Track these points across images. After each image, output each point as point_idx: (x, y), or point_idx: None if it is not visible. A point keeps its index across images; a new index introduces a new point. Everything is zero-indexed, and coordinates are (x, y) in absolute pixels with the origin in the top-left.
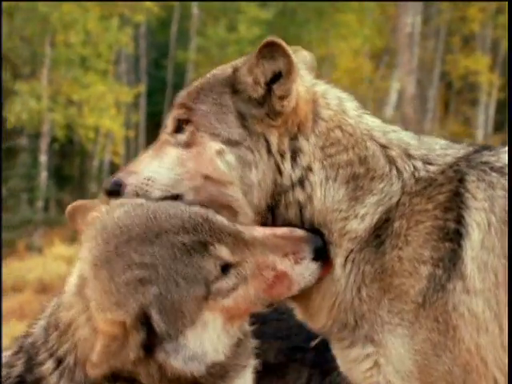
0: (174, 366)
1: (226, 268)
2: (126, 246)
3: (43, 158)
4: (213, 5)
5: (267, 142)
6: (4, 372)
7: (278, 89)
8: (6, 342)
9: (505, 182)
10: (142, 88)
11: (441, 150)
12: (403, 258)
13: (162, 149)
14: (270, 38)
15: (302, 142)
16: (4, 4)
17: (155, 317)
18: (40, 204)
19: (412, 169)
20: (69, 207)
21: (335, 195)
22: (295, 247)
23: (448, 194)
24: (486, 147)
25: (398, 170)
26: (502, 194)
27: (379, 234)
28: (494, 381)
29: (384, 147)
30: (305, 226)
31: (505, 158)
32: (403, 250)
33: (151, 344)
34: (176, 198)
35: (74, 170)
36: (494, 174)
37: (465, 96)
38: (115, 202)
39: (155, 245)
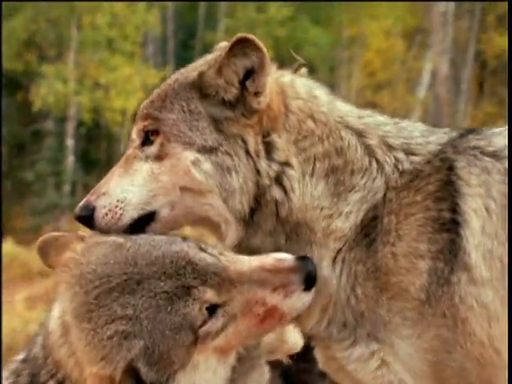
0: None
1: (212, 309)
2: (108, 298)
3: (70, 142)
4: None
5: (244, 142)
6: (11, 379)
7: (251, 85)
8: (34, 327)
9: (501, 166)
10: (170, 70)
11: (421, 137)
12: (397, 255)
13: (131, 165)
14: (240, 35)
15: (275, 139)
16: None
17: (143, 369)
18: (67, 188)
19: (394, 161)
20: (39, 241)
21: (314, 191)
22: (285, 280)
23: (438, 184)
24: (471, 131)
25: (378, 162)
26: (499, 178)
27: (368, 232)
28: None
29: (361, 135)
30: (284, 228)
31: (497, 141)
32: (396, 245)
33: None
34: (151, 215)
35: (101, 154)
36: (486, 159)
37: (500, 76)
38: (90, 239)
39: (137, 294)
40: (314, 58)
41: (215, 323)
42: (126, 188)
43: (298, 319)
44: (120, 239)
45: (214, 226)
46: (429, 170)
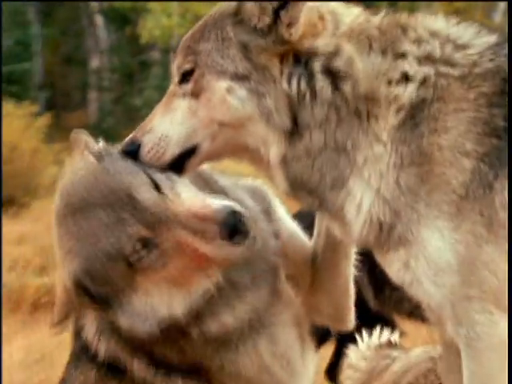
0: (122, 323)
1: (146, 244)
2: (69, 217)
3: None
4: None
5: (271, 74)
6: None
7: (285, 16)
8: None
9: None
10: None
11: (469, 31)
12: (443, 147)
13: (172, 102)
14: None
15: (313, 46)
16: None
17: (88, 284)
18: None
19: (442, 47)
20: (72, 134)
21: (374, 61)
22: (205, 227)
23: (493, 90)
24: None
25: (428, 43)
26: None
27: (414, 114)
28: None
29: (406, 27)
30: (339, 112)
31: None
32: (442, 137)
33: (99, 305)
34: (192, 150)
35: None
36: None
37: None
38: (84, 153)
39: (86, 218)
40: None
41: (149, 256)
42: (168, 125)
43: (339, 226)
44: (95, 162)
45: (251, 154)
46: (483, 72)
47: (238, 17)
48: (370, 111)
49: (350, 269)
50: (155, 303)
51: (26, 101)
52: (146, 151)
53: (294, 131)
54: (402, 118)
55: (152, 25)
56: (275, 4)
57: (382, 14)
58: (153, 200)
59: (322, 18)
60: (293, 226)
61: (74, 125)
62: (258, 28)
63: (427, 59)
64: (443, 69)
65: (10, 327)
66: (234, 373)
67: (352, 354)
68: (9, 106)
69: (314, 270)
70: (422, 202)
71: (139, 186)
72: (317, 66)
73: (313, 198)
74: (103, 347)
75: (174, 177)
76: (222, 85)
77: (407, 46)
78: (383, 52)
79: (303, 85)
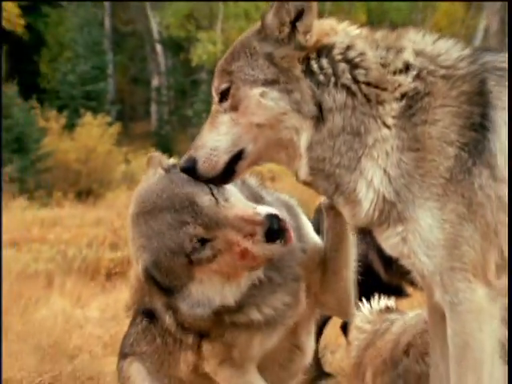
0: (182, 308)
1: (203, 242)
2: (141, 218)
3: None
4: None
5: (293, 73)
6: None
7: (301, 25)
8: None
9: None
10: None
11: (455, 50)
12: (432, 136)
13: (216, 119)
14: None
15: (323, 59)
16: None
17: (156, 274)
18: None
19: (430, 51)
20: (149, 155)
21: (382, 53)
22: (252, 230)
23: (471, 90)
24: (483, 48)
25: (417, 47)
26: None
27: (411, 104)
28: (499, 250)
29: (400, 38)
30: (354, 97)
31: None
32: (431, 127)
33: (164, 292)
34: (240, 154)
35: None
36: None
37: None
38: (154, 170)
39: (156, 220)
40: (396, 20)
41: (205, 252)
42: (216, 138)
43: (352, 216)
44: (163, 174)
45: (285, 150)
46: (463, 75)
47: (261, 34)
48: (378, 97)
49: (350, 274)
50: (210, 293)
51: (101, 113)
52: (201, 164)
53: (319, 117)
54: (403, 106)
55: (201, 51)
56: (292, 17)
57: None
58: (209, 205)
59: (333, 28)
60: (316, 241)
61: (139, 132)
62: (280, 39)
63: (421, 53)
64: (432, 66)
65: (89, 292)
66: (229, 343)
67: (358, 318)
68: (88, 118)
69: (322, 276)
70: (416, 184)
71: (198, 192)
72: (337, 54)
73: (329, 182)
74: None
75: (225, 187)
76: (256, 91)
77: (406, 42)
78: (388, 49)
79: (329, 71)
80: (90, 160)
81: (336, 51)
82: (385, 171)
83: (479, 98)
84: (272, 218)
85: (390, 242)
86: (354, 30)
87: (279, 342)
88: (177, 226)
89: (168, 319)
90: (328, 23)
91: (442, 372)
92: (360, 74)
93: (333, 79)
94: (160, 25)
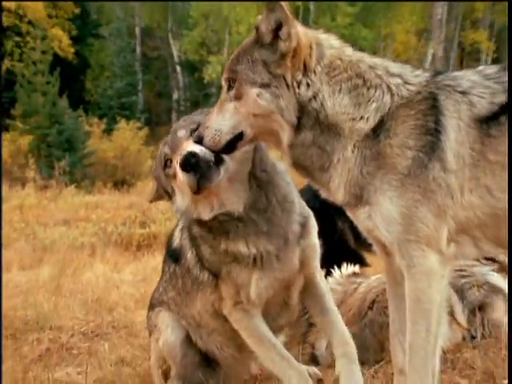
0: (174, 210)
1: (169, 161)
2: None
3: None
4: (322, 4)
5: (285, 79)
6: None
7: (281, 34)
8: None
9: (466, 99)
10: None
11: (411, 73)
12: (393, 145)
13: (223, 106)
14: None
15: (310, 74)
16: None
17: (159, 180)
18: None
19: (395, 85)
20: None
21: (341, 102)
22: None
23: (426, 106)
24: (439, 72)
25: (386, 84)
26: (465, 107)
27: (376, 130)
28: (448, 226)
29: (371, 67)
30: (321, 126)
31: (463, 83)
32: (393, 139)
33: (167, 194)
34: (239, 136)
35: None
36: (457, 95)
37: (473, 56)
38: None
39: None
40: (364, 47)
41: (169, 170)
42: (220, 122)
43: (333, 194)
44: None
45: (275, 137)
46: (419, 97)
47: (258, 42)
48: (338, 132)
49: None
50: (185, 205)
51: (133, 120)
52: (207, 141)
53: (298, 127)
54: (365, 135)
55: (211, 71)
56: (274, 26)
57: (351, 50)
58: (180, 136)
59: (311, 46)
60: (315, 243)
61: (163, 135)
62: (268, 44)
63: (389, 96)
64: (396, 100)
65: (123, 260)
66: (235, 282)
67: (331, 281)
68: (122, 124)
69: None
70: (378, 181)
71: (182, 127)
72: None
73: (307, 174)
74: (177, 244)
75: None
76: (254, 91)
77: (373, 82)
78: (350, 91)
79: (308, 93)
80: (124, 157)
81: (324, 76)
82: (348, 180)
83: (433, 109)
84: (190, 154)
85: (359, 218)
86: (328, 52)
87: (273, 296)
88: (162, 146)
89: (190, 255)
90: (306, 32)
91: (397, 321)
92: (321, 115)
93: (311, 102)
94: (179, 50)
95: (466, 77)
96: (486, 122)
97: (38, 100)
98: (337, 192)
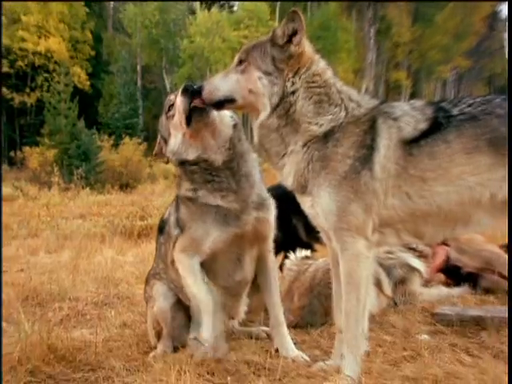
0: (167, 152)
1: (172, 105)
2: None
3: None
4: None
5: (284, 74)
6: None
7: (294, 39)
8: None
9: (397, 124)
10: None
11: (365, 100)
12: (338, 153)
13: (229, 73)
14: (293, 8)
15: (296, 78)
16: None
17: (158, 130)
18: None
19: (351, 107)
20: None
21: (308, 107)
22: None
23: (367, 126)
24: (383, 101)
25: (345, 105)
26: (394, 131)
27: (327, 136)
28: (373, 219)
29: (338, 91)
30: (287, 118)
31: (396, 111)
32: (338, 148)
33: (164, 141)
34: (231, 100)
35: None
36: (391, 121)
37: (395, 91)
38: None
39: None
40: None
41: (171, 112)
42: (221, 83)
43: (285, 180)
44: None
45: (256, 111)
46: (365, 119)
47: (272, 41)
48: (296, 129)
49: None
50: (177, 146)
51: (135, 137)
52: (205, 92)
53: (274, 110)
54: (315, 137)
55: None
56: (290, 32)
57: (331, 73)
58: (186, 84)
59: (308, 57)
60: (271, 223)
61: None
62: (280, 45)
63: (344, 112)
64: (348, 118)
65: (127, 246)
66: (192, 236)
67: (288, 262)
68: (126, 140)
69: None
70: (321, 178)
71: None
72: (303, 83)
73: (268, 157)
74: (165, 216)
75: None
76: (257, 74)
77: (336, 102)
78: (315, 102)
79: (291, 89)
80: (128, 165)
81: (304, 83)
82: (296, 170)
83: (371, 130)
84: (189, 84)
85: (305, 205)
86: (314, 67)
87: (227, 252)
88: (168, 97)
89: (171, 219)
90: (310, 50)
91: (338, 293)
92: (290, 112)
93: (289, 96)
94: (171, 83)
95: (400, 107)
96: (409, 144)
97: (61, 122)
98: (287, 178)
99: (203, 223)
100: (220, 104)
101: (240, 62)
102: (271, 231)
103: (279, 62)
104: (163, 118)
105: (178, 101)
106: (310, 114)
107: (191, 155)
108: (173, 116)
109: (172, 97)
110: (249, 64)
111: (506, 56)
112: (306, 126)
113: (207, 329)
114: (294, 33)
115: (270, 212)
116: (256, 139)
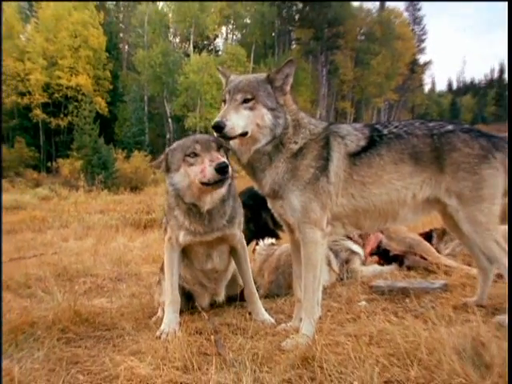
0: (170, 182)
1: (195, 154)
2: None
3: None
4: None
5: (283, 108)
6: None
7: (287, 80)
8: None
9: (343, 141)
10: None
11: (320, 123)
12: (304, 164)
13: (239, 109)
14: (289, 58)
15: (287, 110)
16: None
17: (168, 157)
18: None
19: (312, 128)
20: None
21: (291, 132)
22: (213, 162)
23: (323, 143)
24: (332, 123)
25: (308, 128)
26: (342, 146)
27: (297, 153)
28: (327, 214)
29: (303, 118)
30: (277, 144)
31: (342, 131)
32: (304, 160)
33: (167, 169)
34: (245, 133)
35: None
36: (339, 139)
37: (342, 116)
38: None
39: (187, 139)
40: None
41: (192, 159)
42: (237, 121)
43: (260, 187)
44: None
45: (253, 140)
46: (321, 137)
47: (268, 80)
48: (281, 150)
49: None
50: (181, 183)
51: (142, 151)
52: (227, 130)
53: (273, 139)
54: (293, 153)
55: (189, 122)
56: (285, 74)
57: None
58: (213, 140)
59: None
60: (236, 233)
61: None
62: (278, 86)
63: (308, 132)
64: (311, 137)
65: (136, 234)
66: (172, 229)
67: (258, 247)
68: (136, 152)
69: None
70: (290, 184)
71: (213, 136)
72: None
73: (251, 172)
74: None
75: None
76: (264, 110)
77: (303, 126)
78: (294, 126)
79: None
80: (137, 173)
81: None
82: (274, 179)
83: (326, 145)
84: (224, 164)
85: (275, 207)
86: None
87: (197, 247)
88: (191, 140)
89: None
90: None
91: (297, 271)
92: (282, 137)
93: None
94: (171, 109)
95: (345, 128)
96: (353, 156)
97: (86, 139)
98: (265, 187)
99: (176, 226)
100: (235, 137)
101: (245, 100)
102: (236, 238)
103: (279, 99)
104: (179, 156)
105: (210, 174)
106: (291, 136)
107: (187, 199)
108: (190, 164)
109: (198, 146)
110: (257, 102)
111: (425, 91)
112: (288, 145)
113: (169, 319)
114: (288, 75)
115: (236, 226)
116: (245, 160)
